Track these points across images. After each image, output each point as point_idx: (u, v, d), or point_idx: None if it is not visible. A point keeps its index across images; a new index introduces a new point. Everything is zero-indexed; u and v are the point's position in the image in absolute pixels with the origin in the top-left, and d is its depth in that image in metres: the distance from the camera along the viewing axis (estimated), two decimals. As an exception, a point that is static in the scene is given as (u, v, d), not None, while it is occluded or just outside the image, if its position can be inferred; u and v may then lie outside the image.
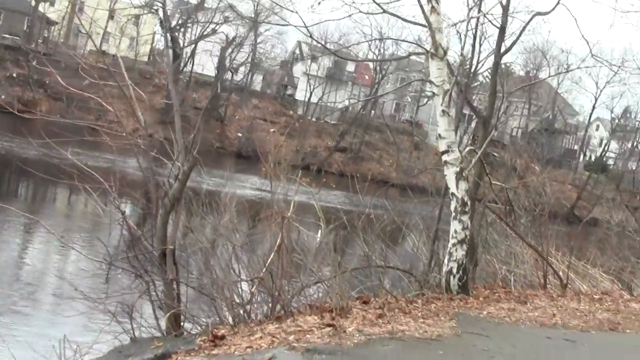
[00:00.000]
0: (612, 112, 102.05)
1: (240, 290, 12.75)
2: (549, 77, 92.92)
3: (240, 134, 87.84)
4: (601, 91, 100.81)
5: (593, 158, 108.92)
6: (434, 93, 14.84)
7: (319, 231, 14.69)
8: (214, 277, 12.83)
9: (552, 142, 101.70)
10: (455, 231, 14.24)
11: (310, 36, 24.43)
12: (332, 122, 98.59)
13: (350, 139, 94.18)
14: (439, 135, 14.67)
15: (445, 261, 14.39)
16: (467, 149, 15.99)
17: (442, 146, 14.58)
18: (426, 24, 14.52)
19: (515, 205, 21.64)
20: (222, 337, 10.44)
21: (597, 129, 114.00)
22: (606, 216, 32.59)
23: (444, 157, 14.51)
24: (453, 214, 14.33)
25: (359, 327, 10.43)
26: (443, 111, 14.56)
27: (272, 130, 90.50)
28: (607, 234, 28.99)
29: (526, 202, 21.65)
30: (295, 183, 15.68)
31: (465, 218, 14.25)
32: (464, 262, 14.18)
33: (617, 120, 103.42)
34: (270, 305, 11.94)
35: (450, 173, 14.38)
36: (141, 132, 13.69)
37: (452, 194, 14.35)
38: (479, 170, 16.77)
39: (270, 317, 11.64)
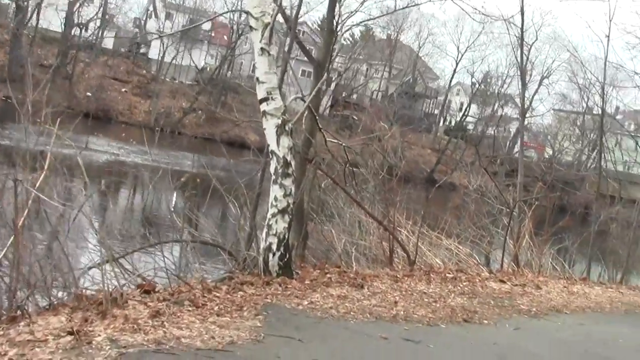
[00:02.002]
0: (472, 76, 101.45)
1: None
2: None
3: (89, 94, 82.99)
4: (462, 55, 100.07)
5: (453, 123, 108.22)
6: (251, 27, 11.80)
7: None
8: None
9: (412, 105, 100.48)
10: (276, 198, 11.33)
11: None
12: (188, 82, 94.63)
13: (206, 99, 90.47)
14: (257, 79, 11.69)
15: (263, 235, 11.47)
16: (294, 96, 12.93)
17: (260, 93, 11.61)
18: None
19: (364, 168, 19.05)
20: None
21: (457, 94, 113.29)
22: (464, 181, 30.46)
23: (263, 107, 11.56)
24: (273, 176, 11.41)
25: (114, 334, 7.37)
26: (262, 49, 11.55)
27: (123, 90, 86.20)
28: (465, 200, 26.70)
29: (375, 164, 19.01)
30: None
31: (288, 182, 11.35)
32: (286, 236, 11.31)
33: (477, 85, 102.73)
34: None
35: (269, 126, 11.46)
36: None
37: (272, 152, 11.43)
38: (311, 125, 13.88)
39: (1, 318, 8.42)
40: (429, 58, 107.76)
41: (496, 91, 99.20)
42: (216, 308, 9.01)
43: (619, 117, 50.87)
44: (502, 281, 14.68)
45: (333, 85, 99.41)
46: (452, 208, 26.88)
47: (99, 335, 7.29)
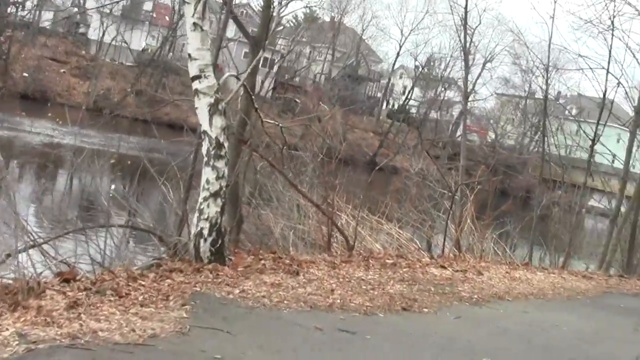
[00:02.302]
0: (416, 60, 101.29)
1: None
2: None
3: (26, 74, 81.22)
4: (406, 39, 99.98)
5: (396, 106, 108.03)
6: (184, 0, 11.21)
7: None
8: None
9: (355, 88, 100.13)
10: (207, 181, 10.77)
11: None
12: (128, 63, 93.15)
13: (146, 81, 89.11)
14: (189, 55, 11.11)
15: (195, 220, 10.92)
16: (227, 74, 12.32)
17: (192, 70, 11.00)
18: None
19: (304, 151, 18.55)
20: None
21: (400, 77, 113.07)
22: (406, 165, 30.09)
23: (195, 85, 10.96)
24: (205, 158, 10.86)
25: (24, 328, 6.78)
26: (195, 24, 10.95)
27: (62, 70, 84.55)
28: (407, 184, 26.32)
29: (314, 147, 18.53)
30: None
31: (220, 164, 10.79)
32: (219, 221, 10.77)
33: (420, 69, 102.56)
34: None
35: (202, 105, 10.88)
36: None
37: (204, 132, 10.86)
38: (247, 105, 13.31)
39: None
40: (373, 41, 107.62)
41: (439, 75, 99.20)
42: (140, 298, 8.44)
43: (561, 101, 50.82)
44: (443, 267, 14.30)
45: (275, 67, 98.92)
46: (394, 192, 26.51)
47: (7, 329, 6.69)
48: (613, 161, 29.16)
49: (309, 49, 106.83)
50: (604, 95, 22.93)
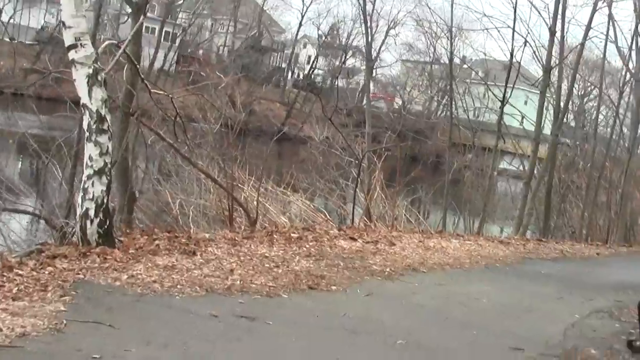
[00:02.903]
0: (319, 29, 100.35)
1: None
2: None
3: None
4: (307, 8, 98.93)
5: (302, 76, 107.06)
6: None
7: None
8: None
9: (259, 59, 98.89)
10: (91, 158, 9.79)
11: None
12: (28, 42, 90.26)
13: (47, 59, 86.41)
14: (63, 23, 10.11)
15: (79, 200, 9.94)
16: (107, 42, 11.23)
17: (68, 39, 9.98)
18: None
19: (202, 122, 17.60)
20: None
21: (304, 47, 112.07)
22: (313, 134, 29.28)
23: (71, 55, 9.94)
24: (87, 133, 9.86)
25: None
26: (68, -13, 9.97)
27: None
28: (313, 153, 25.45)
29: (211, 118, 17.57)
30: None
31: (103, 139, 9.81)
32: (105, 200, 9.80)
33: (324, 38, 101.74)
34: None
35: (80, 77, 9.88)
36: None
37: (84, 105, 9.85)
38: (133, 75, 12.27)
39: None
40: (274, 11, 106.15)
41: (343, 43, 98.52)
42: (15, 290, 7.48)
43: (467, 65, 50.56)
44: (352, 239, 13.54)
45: (178, 41, 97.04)
46: (299, 162, 25.65)
47: None
48: (522, 122, 28.91)
49: (211, 22, 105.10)
50: (511, 55, 22.36)
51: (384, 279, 10.70)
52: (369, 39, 31.40)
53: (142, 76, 11.69)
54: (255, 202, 14.58)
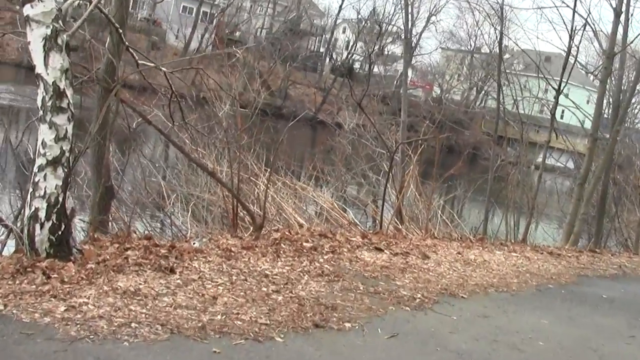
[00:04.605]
0: (358, 13, 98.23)
1: None
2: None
3: None
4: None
5: (340, 61, 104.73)
6: None
7: None
8: None
9: (297, 43, 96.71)
10: (44, 144, 7.61)
11: None
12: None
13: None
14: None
15: (28, 198, 7.76)
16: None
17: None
18: None
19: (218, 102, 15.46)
20: None
21: (344, 32, 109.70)
22: (339, 120, 26.96)
23: (26, 10, 7.70)
24: (40, 112, 7.66)
25: None
26: None
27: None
28: (341, 141, 23.04)
29: (226, 98, 15.37)
30: None
31: (61, 120, 7.61)
32: (61, 198, 7.62)
33: (363, 23, 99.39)
34: None
35: (35, 38, 7.66)
36: None
37: (38, 75, 7.64)
38: (116, 44, 10.04)
39: None
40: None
41: (383, 29, 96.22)
42: None
43: (507, 56, 48.17)
44: (378, 249, 11.25)
45: (215, 21, 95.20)
46: (325, 152, 23.30)
47: None
48: (562, 116, 26.62)
49: (250, 3, 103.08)
50: (571, 37, 19.81)
51: (413, 309, 8.38)
52: (409, 25, 29.18)
53: (127, 43, 9.42)
54: (266, 201, 12.36)
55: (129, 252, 8.26)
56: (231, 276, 8.15)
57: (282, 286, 8.12)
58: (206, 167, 11.62)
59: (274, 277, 8.45)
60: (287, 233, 10.96)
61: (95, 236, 9.03)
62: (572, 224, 19.45)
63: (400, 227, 15.13)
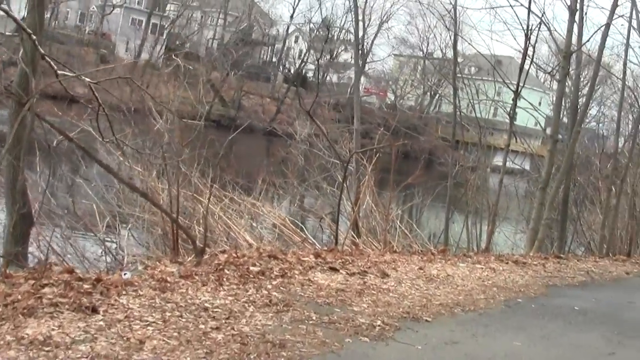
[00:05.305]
0: (310, 22, 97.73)
1: None
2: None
3: None
4: (299, 0, 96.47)
5: (292, 70, 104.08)
6: None
7: None
8: None
9: (249, 53, 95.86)
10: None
11: None
12: (7, 32, 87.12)
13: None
14: None
15: None
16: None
17: None
18: None
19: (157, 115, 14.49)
20: None
21: (296, 41, 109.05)
22: (289, 130, 26.05)
23: None
24: None
25: None
26: None
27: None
28: (292, 152, 22.10)
29: (169, 110, 14.39)
30: None
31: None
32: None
33: (316, 32, 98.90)
34: None
35: None
36: None
37: None
38: (30, 52, 9.01)
39: None
40: (265, 4, 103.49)
41: (335, 37, 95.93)
42: None
43: (460, 59, 47.75)
44: (333, 269, 10.31)
45: (165, 33, 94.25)
46: (277, 163, 22.27)
47: None
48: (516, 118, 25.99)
49: (200, 14, 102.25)
50: (527, 37, 18.97)
51: (373, 339, 7.40)
52: (360, 31, 28.44)
53: (43, 52, 8.39)
54: (212, 220, 11.36)
55: (45, 290, 7.19)
56: (164, 312, 7.13)
57: (223, 321, 7.12)
58: (137, 188, 10.60)
59: (215, 310, 7.45)
60: (233, 255, 9.95)
61: (8, 272, 7.92)
62: (536, 230, 18.65)
63: (357, 240, 14.24)
